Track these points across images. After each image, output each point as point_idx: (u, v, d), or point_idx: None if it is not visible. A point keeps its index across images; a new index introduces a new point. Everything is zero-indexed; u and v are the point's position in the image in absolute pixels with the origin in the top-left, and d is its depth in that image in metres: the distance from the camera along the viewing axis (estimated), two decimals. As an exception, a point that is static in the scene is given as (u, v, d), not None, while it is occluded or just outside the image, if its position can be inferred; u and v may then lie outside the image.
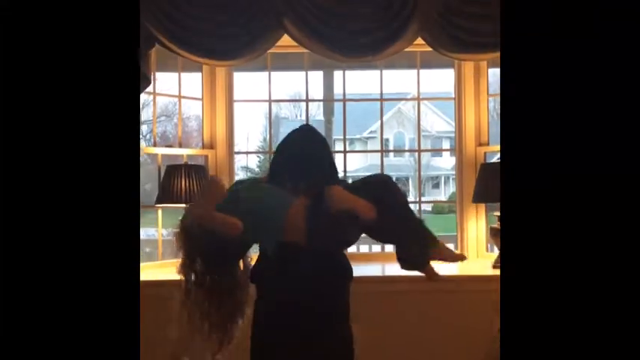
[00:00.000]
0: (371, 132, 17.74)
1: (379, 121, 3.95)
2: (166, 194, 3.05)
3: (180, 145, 3.42)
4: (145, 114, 3.31)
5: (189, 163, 3.27)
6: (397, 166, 16.70)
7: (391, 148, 19.23)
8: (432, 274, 1.81)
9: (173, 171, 3.07)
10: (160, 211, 3.32)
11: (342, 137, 3.57)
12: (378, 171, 3.10)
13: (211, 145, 3.39)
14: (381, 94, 3.57)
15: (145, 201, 3.77)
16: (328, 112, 5.05)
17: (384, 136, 3.31)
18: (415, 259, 1.80)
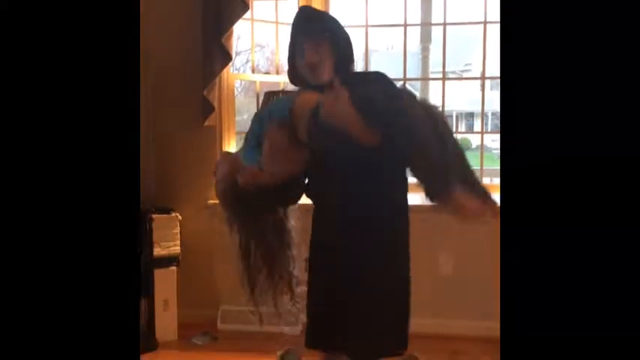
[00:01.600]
0: (467, 64, 17.08)
1: (477, 53, 3.79)
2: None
3: (278, 73, 3.47)
4: (242, 44, 3.36)
5: (286, 90, 3.33)
6: (497, 101, 15.94)
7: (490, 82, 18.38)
8: (461, 210, 1.45)
9: (271, 97, 3.13)
10: (258, 137, 3.43)
11: (439, 70, 3.47)
12: (475, 107, 2.97)
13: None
14: (485, 18, 3.37)
15: (244, 128, 3.91)
16: (425, 39, 4.80)
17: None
18: (435, 193, 1.47)
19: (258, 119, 1.70)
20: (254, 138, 1.66)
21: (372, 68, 3.72)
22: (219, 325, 3.19)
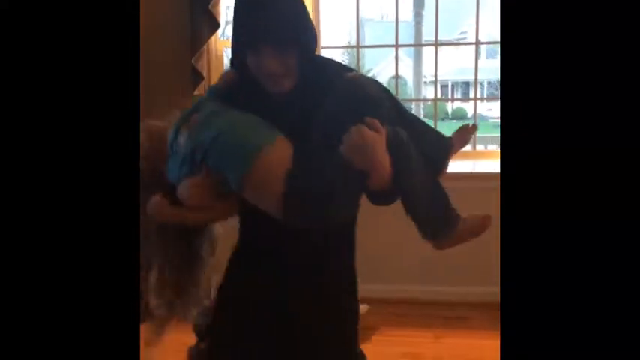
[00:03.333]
0: (462, 33, 16.84)
1: (472, 21, 3.73)
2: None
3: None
4: (225, 15, 3.29)
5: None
6: (493, 69, 15.75)
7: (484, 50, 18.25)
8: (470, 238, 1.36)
9: None
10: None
11: (431, 40, 3.40)
12: (470, 76, 2.88)
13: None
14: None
15: None
16: (418, 5, 4.62)
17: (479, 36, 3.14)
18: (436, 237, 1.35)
19: (193, 139, 1.25)
20: (180, 153, 1.28)
21: (366, 37, 3.64)
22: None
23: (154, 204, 1.27)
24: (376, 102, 1.23)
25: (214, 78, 3.22)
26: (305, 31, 1.23)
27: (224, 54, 3.34)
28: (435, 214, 1.31)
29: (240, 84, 1.31)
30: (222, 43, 3.31)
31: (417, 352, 2.55)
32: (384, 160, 1.17)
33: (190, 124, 1.28)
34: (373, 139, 1.15)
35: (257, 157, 1.18)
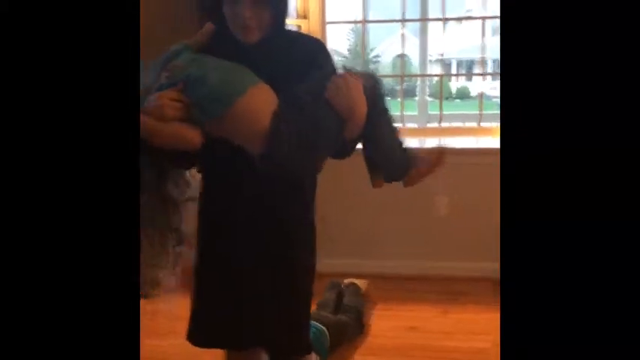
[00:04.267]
0: (467, 10, 16.56)
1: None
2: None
3: (305, 17, 3.37)
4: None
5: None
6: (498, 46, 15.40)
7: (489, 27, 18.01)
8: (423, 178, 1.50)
9: None
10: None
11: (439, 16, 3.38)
12: (475, 54, 2.83)
13: (304, 15, 3.33)
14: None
15: None
16: None
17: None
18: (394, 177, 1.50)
19: (174, 78, 1.33)
20: (158, 67, 1.37)
21: (372, 9, 3.61)
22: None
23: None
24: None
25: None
26: None
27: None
28: (396, 158, 1.47)
29: (217, 36, 1.42)
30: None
31: (423, 326, 2.57)
32: (362, 104, 1.33)
33: (171, 66, 1.34)
34: (355, 85, 1.32)
35: (242, 95, 1.28)
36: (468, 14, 4.36)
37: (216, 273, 1.52)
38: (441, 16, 3.33)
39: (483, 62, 3.55)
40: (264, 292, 1.48)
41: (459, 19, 3.91)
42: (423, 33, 3.54)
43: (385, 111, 1.44)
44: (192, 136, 1.30)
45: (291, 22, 3.39)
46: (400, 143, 1.48)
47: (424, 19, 3.49)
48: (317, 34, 3.33)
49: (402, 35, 3.58)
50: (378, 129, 1.41)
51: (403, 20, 3.44)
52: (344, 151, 1.44)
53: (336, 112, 1.30)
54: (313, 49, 1.45)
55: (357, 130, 1.34)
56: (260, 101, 1.30)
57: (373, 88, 1.38)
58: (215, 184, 1.49)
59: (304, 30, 3.33)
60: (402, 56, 3.62)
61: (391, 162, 1.46)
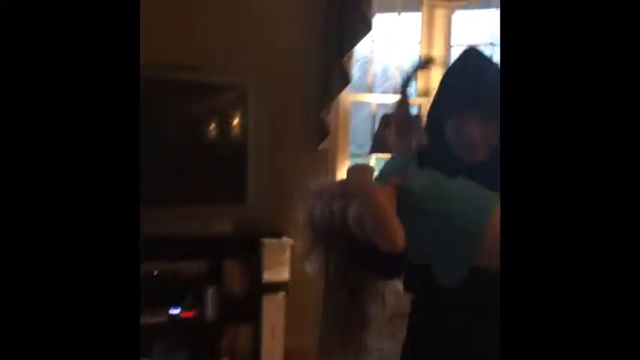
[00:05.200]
0: None
1: None
2: (380, 143, 3.05)
3: (395, 93, 3.26)
4: (355, 55, 3.19)
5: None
6: None
7: None
8: None
9: (387, 120, 3.02)
10: (372, 161, 3.36)
11: None
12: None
13: (426, 93, 3.14)
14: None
15: (359, 150, 3.82)
16: None
17: None
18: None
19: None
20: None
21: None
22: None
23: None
24: None
25: (340, 132, 3.26)
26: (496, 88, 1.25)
27: (351, 108, 3.33)
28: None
29: (433, 151, 1.31)
30: (350, 96, 3.29)
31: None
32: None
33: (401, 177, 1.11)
34: None
35: (492, 214, 1.02)
36: None
37: None
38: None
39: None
40: None
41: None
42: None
43: None
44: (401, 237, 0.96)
45: (413, 101, 3.24)
46: None
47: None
48: (440, 113, 3.14)
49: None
50: None
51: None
52: None
53: None
54: None
55: None
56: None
57: None
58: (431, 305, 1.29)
59: (425, 108, 3.16)
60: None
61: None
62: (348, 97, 3.24)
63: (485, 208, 1.04)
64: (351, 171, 1.07)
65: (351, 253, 1.06)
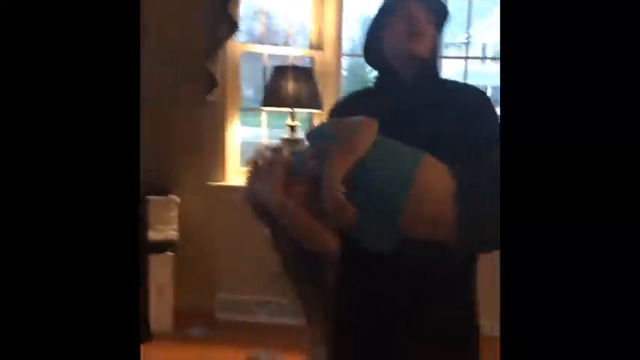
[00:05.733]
0: (467, 37, 13.24)
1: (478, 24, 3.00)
2: (273, 96, 2.96)
3: (287, 44, 3.17)
4: (244, 8, 3.06)
5: (295, 64, 3.08)
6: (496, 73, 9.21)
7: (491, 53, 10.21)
8: None
9: (280, 72, 2.93)
10: (264, 114, 3.27)
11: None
12: (477, 81, 2.48)
13: (319, 46, 3.08)
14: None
15: (250, 103, 3.73)
16: None
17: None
18: None
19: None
20: None
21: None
22: (218, 315, 3.04)
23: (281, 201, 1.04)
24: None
25: (230, 84, 3.12)
26: (444, 9, 1.29)
27: (240, 58, 3.19)
28: None
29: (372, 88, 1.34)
30: (238, 46, 3.15)
31: None
32: None
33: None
34: None
35: (411, 186, 1.03)
36: (468, 40, 3.67)
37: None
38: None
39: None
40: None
41: (458, 57, 3.37)
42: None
43: None
44: (332, 245, 1.04)
45: (305, 53, 3.17)
46: None
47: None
48: (332, 66, 3.10)
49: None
50: None
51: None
52: None
53: None
54: (476, 103, 1.23)
55: None
56: (429, 183, 1.05)
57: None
58: (357, 275, 1.25)
59: (319, 62, 3.10)
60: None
61: None
62: (237, 47, 3.10)
63: (406, 172, 1.04)
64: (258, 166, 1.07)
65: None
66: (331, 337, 1.28)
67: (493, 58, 2.97)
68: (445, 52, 3.05)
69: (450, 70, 3.48)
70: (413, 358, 1.27)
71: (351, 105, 1.33)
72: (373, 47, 1.29)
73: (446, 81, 1.32)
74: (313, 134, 1.16)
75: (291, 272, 1.14)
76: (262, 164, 1.10)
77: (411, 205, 1.02)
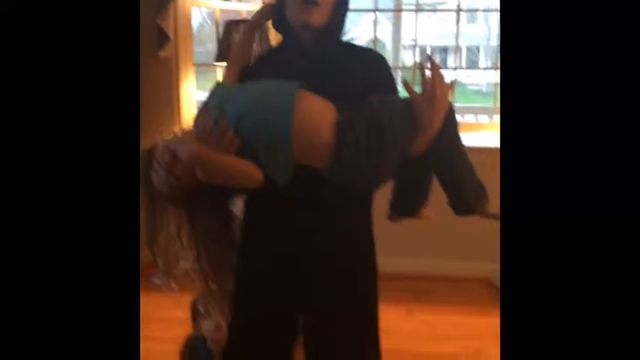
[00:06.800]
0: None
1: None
2: (226, 52, 2.99)
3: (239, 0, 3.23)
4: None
5: (248, 19, 3.13)
6: (472, 35, 11.16)
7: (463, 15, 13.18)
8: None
9: (232, 27, 2.96)
10: (219, 70, 3.30)
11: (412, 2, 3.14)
12: (449, 41, 2.65)
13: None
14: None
15: (203, 59, 3.74)
16: None
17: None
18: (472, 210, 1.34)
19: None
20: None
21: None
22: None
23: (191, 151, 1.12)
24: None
25: (182, 39, 3.12)
26: None
27: (191, 14, 3.20)
28: (470, 183, 1.33)
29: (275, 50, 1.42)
30: (190, 1, 3.16)
31: (388, 329, 2.54)
32: (441, 114, 1.19)
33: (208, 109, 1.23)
34: (444, 93, 1.19)
35: (290, 116, 1.14)
36: (443, 0, 3.99)
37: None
38: (414, 7, 3.11)
39: (457, 49, 3.35)
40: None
41: (432, 10, 3.65)
42: (397, 19, 3.34)
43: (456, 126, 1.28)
44: (255, 173, 1.13)
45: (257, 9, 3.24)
46: (471, 166, 1.33)
47: (397, 10, 3.28)
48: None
49: (375, 20, 3.38)
50: (453, 147, 1.28)
51: (376, 10, 3.23)
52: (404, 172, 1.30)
53: (411, 120, 1.18)
54: (374, 64, 1.35)
55: (425, 144, 1.20)
56: (307, 115, 1.16)
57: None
58: (261, 206, 1.34)
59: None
60: (374, 41, 3.43)
61: (463, 187, 1.32)
62: (187, 2, 3.11)
63: (285, 103, 1.15)
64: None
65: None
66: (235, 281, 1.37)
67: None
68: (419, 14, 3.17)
69: (423, 31, 3.63)
70: (314, 294, 1.37)
71: (262, 62, 1.41)
72: (278, 14, 1.34)
73: (347, 44, 1.38)
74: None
75: (201, 234, 1.25)
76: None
77: (295, 134, 1.14)
